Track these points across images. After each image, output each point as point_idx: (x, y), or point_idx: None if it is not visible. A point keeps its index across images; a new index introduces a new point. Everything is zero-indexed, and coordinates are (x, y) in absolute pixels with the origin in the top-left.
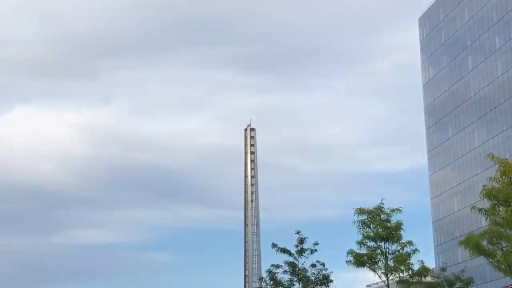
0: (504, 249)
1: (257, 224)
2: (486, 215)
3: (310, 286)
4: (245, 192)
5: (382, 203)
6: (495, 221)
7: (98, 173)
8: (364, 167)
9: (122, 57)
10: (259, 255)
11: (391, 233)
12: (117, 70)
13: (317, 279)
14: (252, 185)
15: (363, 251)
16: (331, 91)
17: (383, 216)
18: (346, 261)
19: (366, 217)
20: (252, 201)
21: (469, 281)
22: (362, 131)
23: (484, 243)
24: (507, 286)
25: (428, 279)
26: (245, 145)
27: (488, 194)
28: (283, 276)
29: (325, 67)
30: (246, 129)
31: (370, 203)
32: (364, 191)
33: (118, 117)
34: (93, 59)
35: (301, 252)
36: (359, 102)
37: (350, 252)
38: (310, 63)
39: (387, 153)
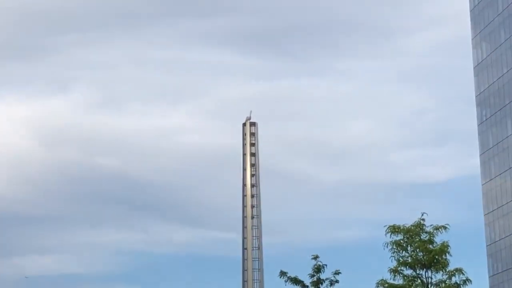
0: None
1: (259, 248)
2: None
3: None
4: (244, 206)
5: (423, 219)
6: None
7: (52, 183)
8: (396, 175)
9: (83, 33)
10: (262, 287)
11: (434, 258)
12: (77, 50)
13: None
14: (253, 196)
15: (399, 281)
16: (354, 76)
17: (424, 236)
18: None
19: (402, 237)
20: (253, 217)
21: None
22: (393, 128)
23: None
24: None
25: None
26: (244, 144)
27: None
28: None
29: (346, 46)
30: (244, 124)
31: (405, 221)
32: (396, 206)
33: (78, 110)
34: (45, 35)
35: (317, 283)
36: (389, 91)
37: (382, 283)
38: (328, 41)
39: (426, 156)
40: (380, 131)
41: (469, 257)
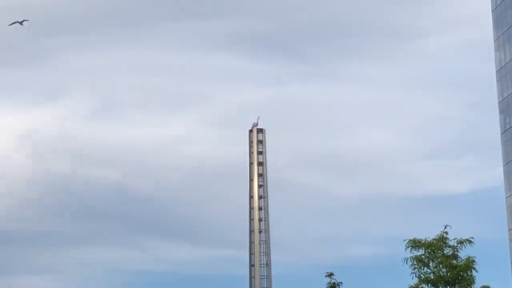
0: None
1: (268, 264)
2: None
3: None
4: (251, 219)
5: (446, 232)
6: None
7: (45, 197)
8: (414, 188)
9: (78, 36)
10: None
11: (459, 274)
12: (70, 54)
13: None
14: (260, 209)
15: None
16: (368, 81)
17: (447, 251)
18: None
19: (423, 252)
20: (260, 231)
21: None
22: (411, 137)
23: None
24: None
25: None
26: (251, 153)
27: None
28: None
29: (360, 49)
30: (251, 131)
31: (424, 237)
32: (415, 221)
33: (72, 119)
34: (36, 39)
35: None
36: (406, 97)
37: None
38: (339, 44)
39: (446, 167)
40: (396, 141)
41: (493, 274)
